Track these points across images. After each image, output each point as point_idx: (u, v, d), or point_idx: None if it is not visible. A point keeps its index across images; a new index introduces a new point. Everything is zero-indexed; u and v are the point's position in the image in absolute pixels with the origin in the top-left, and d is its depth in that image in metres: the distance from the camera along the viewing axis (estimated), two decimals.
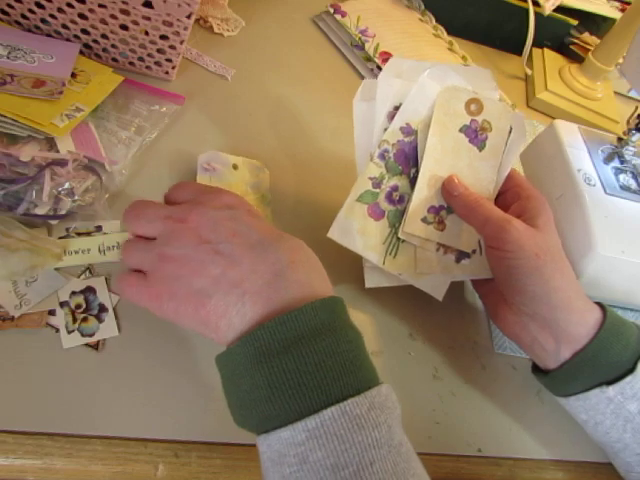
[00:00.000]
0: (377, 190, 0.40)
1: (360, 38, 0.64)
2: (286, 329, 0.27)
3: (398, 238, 0.40)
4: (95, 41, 0.47)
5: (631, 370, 0.36)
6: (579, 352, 0.36)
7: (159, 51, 0.48)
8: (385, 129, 0.40)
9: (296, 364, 0.26)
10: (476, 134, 0.42)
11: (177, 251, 0.30)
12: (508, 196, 0.41)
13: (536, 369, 0.40)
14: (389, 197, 0.40)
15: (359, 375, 0.27)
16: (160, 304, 0.30)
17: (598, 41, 0.78)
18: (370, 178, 0.40)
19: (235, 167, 0.46)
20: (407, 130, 0.41)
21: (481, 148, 0.42)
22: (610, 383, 0.36)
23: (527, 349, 0.39)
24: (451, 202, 0.40)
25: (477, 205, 0.39)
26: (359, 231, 0.39)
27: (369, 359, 0.29)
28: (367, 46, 0.64)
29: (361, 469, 0.25)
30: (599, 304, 0.39)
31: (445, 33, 0.72)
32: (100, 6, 0.44)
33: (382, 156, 0.40)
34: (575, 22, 0.81)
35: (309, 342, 0.27)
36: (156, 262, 0.30)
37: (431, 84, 0.41)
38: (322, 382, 0.26)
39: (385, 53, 0.65)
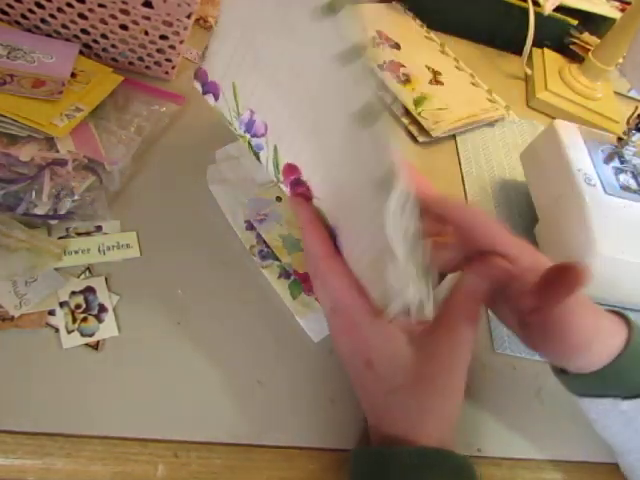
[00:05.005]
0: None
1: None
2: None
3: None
4: (95, 41, 0.47)
5: None
6: (597, 371, 0.34)
7: (159, 51, 0.48)
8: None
9: None
10: None
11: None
12: None
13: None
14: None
15: None
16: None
17: (598, 41, 0.77)
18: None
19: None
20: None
21: None
22: (626, 397, 0.35)
23: None
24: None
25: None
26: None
27: None
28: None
29: None
30: (625, 319, 0.36)
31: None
32: (100, 6, 0.44)
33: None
34: (575, 22, 0.81)
35: None
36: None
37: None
38: None
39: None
